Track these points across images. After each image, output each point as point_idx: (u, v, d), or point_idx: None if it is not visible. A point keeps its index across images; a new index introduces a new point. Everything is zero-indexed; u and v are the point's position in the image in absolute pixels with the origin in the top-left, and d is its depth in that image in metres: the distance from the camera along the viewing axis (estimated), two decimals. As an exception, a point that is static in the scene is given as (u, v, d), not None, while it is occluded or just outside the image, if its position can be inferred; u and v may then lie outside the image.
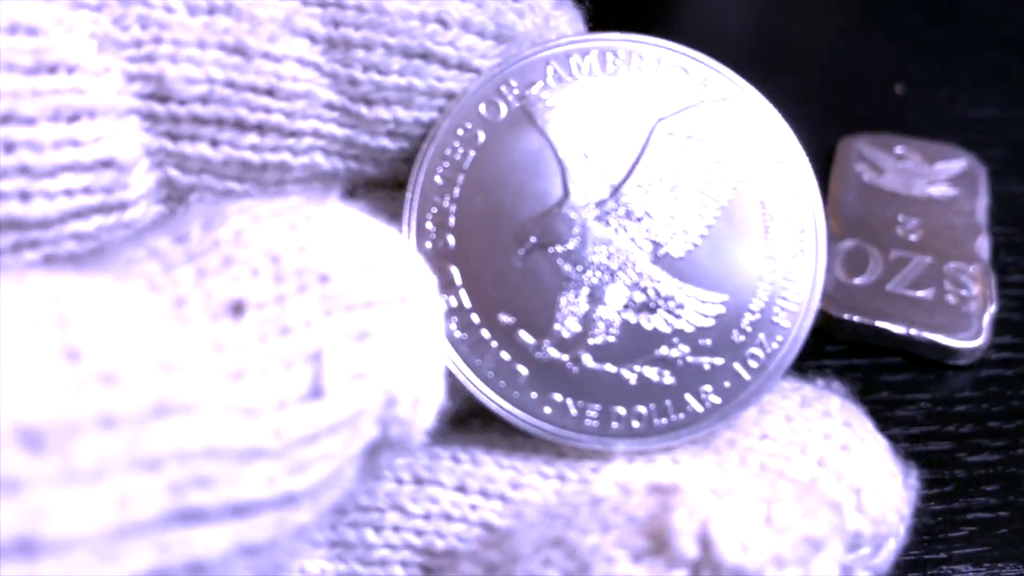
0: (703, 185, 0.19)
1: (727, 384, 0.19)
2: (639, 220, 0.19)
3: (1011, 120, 0.41)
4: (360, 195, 0.20)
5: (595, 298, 0.19)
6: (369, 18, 0.18)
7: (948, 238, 0.34)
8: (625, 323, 0.19)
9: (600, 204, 0.19)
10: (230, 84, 0.18)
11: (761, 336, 0.19)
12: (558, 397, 0.19)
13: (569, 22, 0.21)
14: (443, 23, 0.19)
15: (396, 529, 0.18)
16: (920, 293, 0.32)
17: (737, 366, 0.19)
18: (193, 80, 0.18)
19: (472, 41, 0.19)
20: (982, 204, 0.36)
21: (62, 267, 0.15)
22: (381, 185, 0.20)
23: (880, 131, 0.39)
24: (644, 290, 0.19)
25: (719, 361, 0.19)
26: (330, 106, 0.19)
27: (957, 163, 0.37)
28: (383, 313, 0.15)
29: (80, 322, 0.13)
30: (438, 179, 0.19)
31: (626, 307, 0.19)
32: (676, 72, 0.20)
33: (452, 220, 0.19)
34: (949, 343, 0.31)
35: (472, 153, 0.19)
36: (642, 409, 0.19)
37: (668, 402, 0.19)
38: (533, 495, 0.18)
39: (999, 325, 0.33)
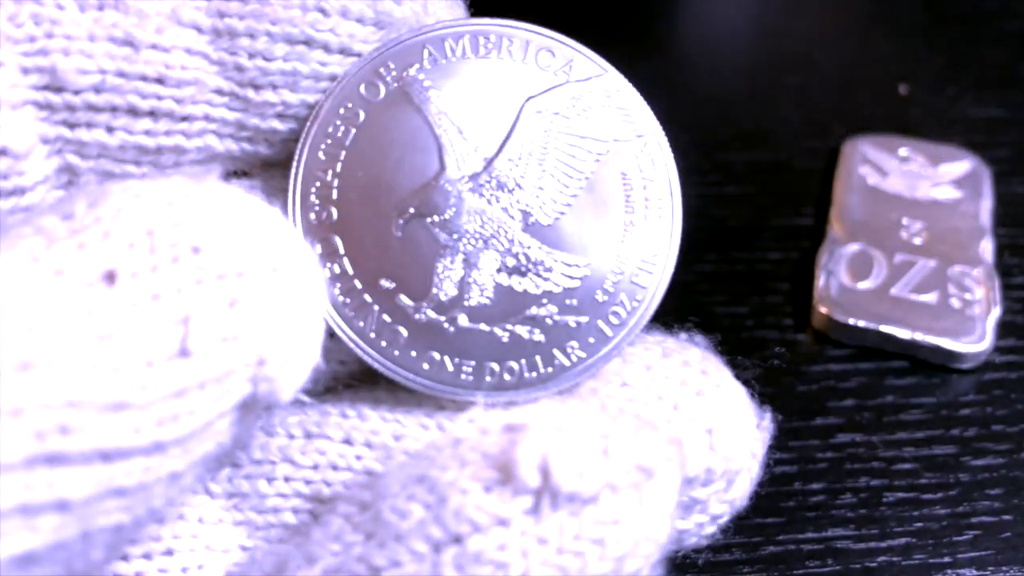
0: (568, 159, 0.21)
1: (591, 340, 0.20)
2: (510, 191, 0.21)
3: (1015, 120, 0.41)
4: (256, 175, 0.22)
5: (470, 263, 0.20)
6: (252, 8, 0.20)
7: (952, 241, 0.35)
8: (498, 286, 0.20)
9: (474, 177, 0.21)
10: (121, 74, 0.19)
11: (622, 296, 0.20)
12: (436, 355, 0.20)
13: (448, 7, 0.22)
14: (323, 11, 0.20)
15: (287, 480, 0.20)
16: (924, 297, 0.33)
17: (600, 323, 0.20)
18: (85, 71, 0.19)
19: (352, 27, 0.20)
20: (986, 206, 0.36)
21: None
22: (275, 164, 0.22)
23: (884, 132, 0.39)
24: (515, 255, 0.20)
25: (584, 319, 0.20)
26: (219, 92, 0.20)
27: (961, 165, 0.37)
28: (254, 282, 0.17)
29: None
30: (321, 155, 0.20)
31: (499, 271, 0.20)
32: (544, 54, 0.21)
33: (335, 193, 0.20)
34: (953, 347, 0.32)
35: (353, 131, 0.20)
36: (514, 364, 0.20)
37: (537, 357, 0.20)
38: (413, 444, 0.20)
39: (1003, 328, 0.33)
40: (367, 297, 0.20)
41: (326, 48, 0.20)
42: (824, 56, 0.44)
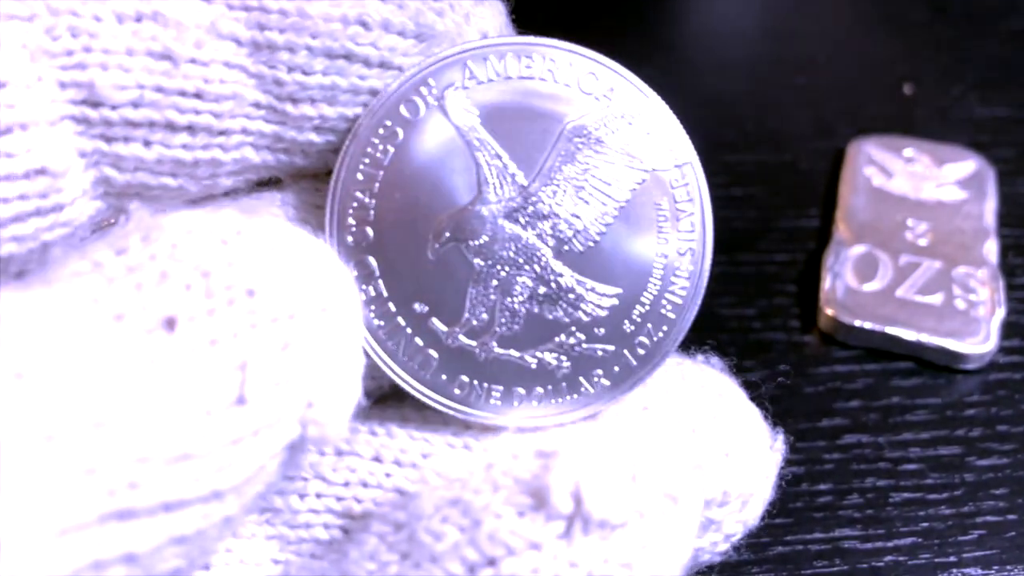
0: (605, 186, 0.21)
1: (616, 369, 0.21)
2: (546, 218, 0.21)
3: (1019, 119, 0.41)
4: (287, 185, 0.22)
5: (503, 290, 0.21)
6: (292, 21, 0.19)
7: (957, 242, 0.35)
8: (529, 313, 0.21)
9: (510, 202, 0.21)
10: (159, 89, 0.19)
11: (649, 326, 0.21)
12: (466, 379, 0.21)
13: (492, 16, 0.21)
14: (365, 25, 0.19)
15: (319, 496, 0.20)
16: (929, 299, 0.33)
17: (626, 353, 0.21)
18: (123, 86, 0.19)
19: (393, 41, 0.20)
20: (990, 207, 0.36)
21: (8, 282, 0.17)
22: (307, 175, 0.22)
23: (890, 132, 0.40)
24: (547, 283, 0.21)
25: (610, 348, 0.21)
26: (257, 105, 0.20)
27: (966, 165, 0.38)
28: (304, 323, 0.17)
29: (24, 345, 0.15)
30: (359, 175, 0.20)
31: (530, 298, 0.21)
32: (587, 77, 0.21)
33: (372, 214, 0.20)
34: (958, 348, 0.32)
35: (392, 150, 0.20)
36: (540, 390, 0.21)
37: (564, 384, 0.21)
38: (441, 463, 0.20)
39: (1008, 328, 0.33)
40: (400, 320, 0.20)
41: (366, 62, 0.20)
42: (829, 56, 0.44)
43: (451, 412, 0.20)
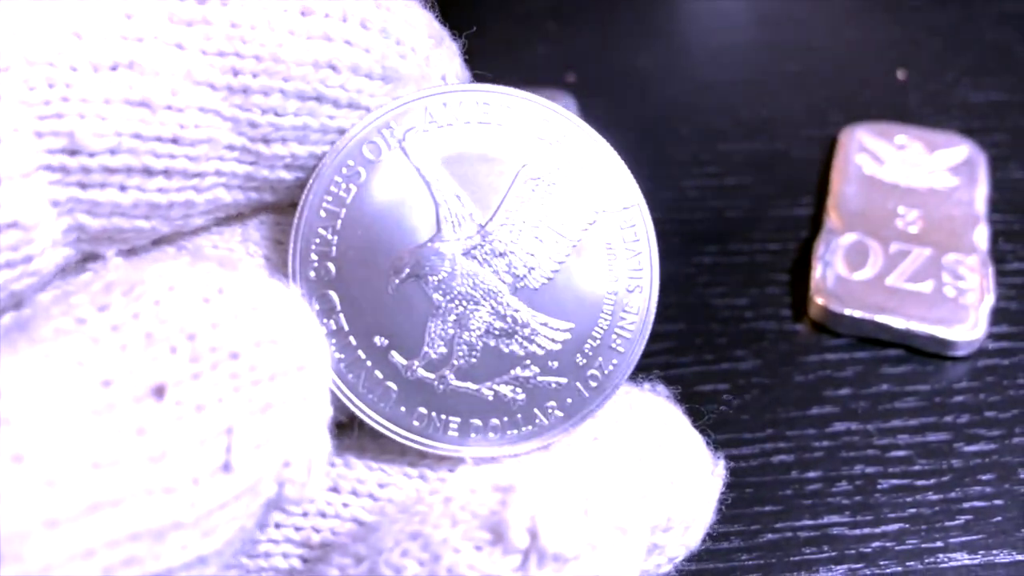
0: (559, 226, 0.22)
1: (569, 400, 0.21)
2: (502, 256, 0.22)
3: (1012, 104, 0.41)
4: (247, 219, 0.22)
5: (460, 324, 0.21)
6: (266, 66, 0.20)
7: (947, 229, 0.35)
8: (485, 346, 0.21)
9: (468, 240, 0.21)
10: (137, 136, 0.19)
11: (600, 359, 0.22)
12: (424, 411, 0.21)
13: (448, 58, 0.22)
14: (334, 68, 0.20)
15: (277, 526, 0.21)
16: (919, 286, 0.33)
17: (579, 385, 0.21)
18: (101, 134, 0.19)
19: (361, 83, 0.21)
20: (981, 193, 0.37)
21: None
22: (272, 209, 0.22)
23: (883, 118, 0.40)
24: (504, 318, 0.21)
25: (564, 380, 0.21)
26: (231, 147, 0.20)
27: (958, 151, 0.38)
28: (284, 384, 0.17)
29: (22, 424, 0.15)
30: (322, 212, 0.21)
31: (487, 332, 0.21)
32: (541, 123, 0.22)
33: (334, 250, 0.21)
34: (947, 336, 0.32)
35: (354, 189, 0.21)
36: (496, 421, 0.21)
37: (519, 416, 0.21)
38: (397, 493, 0.21)
39: (997, 314, 0.34)
40: (361, 353, 0.21)
41: (336, 103, 0.21)
42: (822, 42, 0.44)
43: (409, 444, 0.21)
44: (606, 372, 0.21)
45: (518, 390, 0.21)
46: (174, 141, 0.20)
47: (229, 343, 0.17)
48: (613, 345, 0.22)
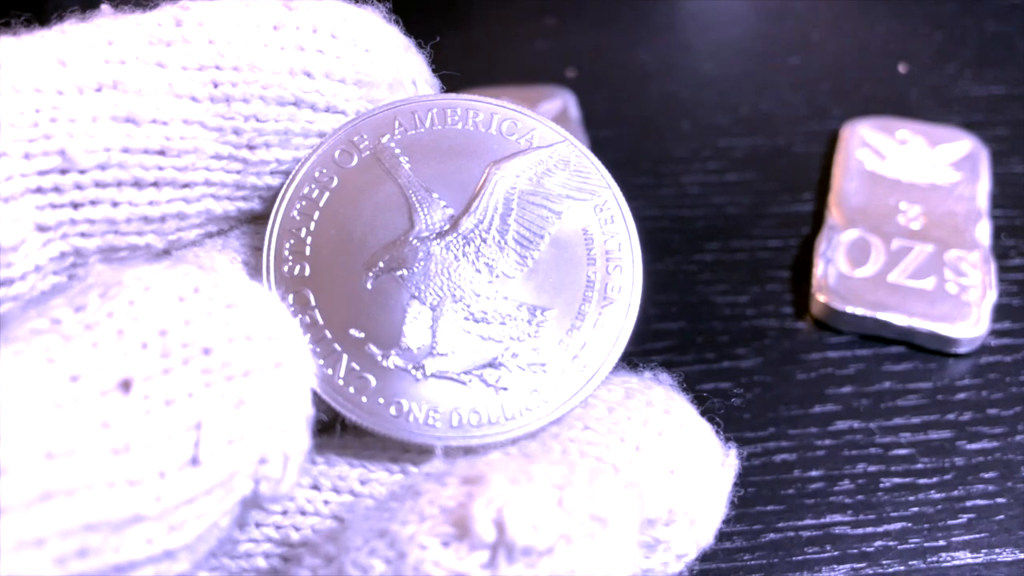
0: (533, 216, 0.22)
1: (554, 387, 0.21)
2: (476, 247, 0.22)
3: (1014, 97, 0.41)
4: (231, 231, 0.23)
5: (437, 314, 0.21)
6: (244, 75, 0.21)
7: (949, 225, 0.35)
8: (464, 335, 0.21)
9: (442, 233, 0.22)
10: (125, 150, 0.20)
11: (584, 343, 0.21)
12: (403, 402, 0.21)
13: (417, 64, 0.23)
14: (308, 74, 0.21)
15: (258, 525, 0.21)
16: (921, 283, 0.33)
17: (564, 370, 0.21)
18: (91, 150, 0.20)
19: (336, 88, 0.22)
20: (983, 188, 0.36)
21: None
22: (256, 220, 0.23)
23: (884, 113, 0.40)
24: (481, 307, 0.21)
25: (546, 366, 0.21)
26: (217, 156, 0.21)
27: (959, 146, 0.38)
28: (259, 380, 0.17)
29: None
30: (296, 215, 0.22)
31: (465, 320, 0.21)
32: (507, 124, 0.23)
33: (308, 250, 0.21)
34: (949, 332, 0.32)
35: (327, 194, 0.22)
36: (478, 411, 0.21)
37: (502, 404, 0.21)
38: (379, 489, 0.20)
39: (999, 310, 0.33)
40: (336, 346, 0.21)
41: (314, 107, 0.21)
42: (822, 36, 0.44)
43: (389, 435, 0.21)
44: (593, 356, 0.21)
45: (500, 378, 0.21)
46: (161, 153, 0.20)
47: (201, 339, 0.17)
48: (598, 328, 0.21)
